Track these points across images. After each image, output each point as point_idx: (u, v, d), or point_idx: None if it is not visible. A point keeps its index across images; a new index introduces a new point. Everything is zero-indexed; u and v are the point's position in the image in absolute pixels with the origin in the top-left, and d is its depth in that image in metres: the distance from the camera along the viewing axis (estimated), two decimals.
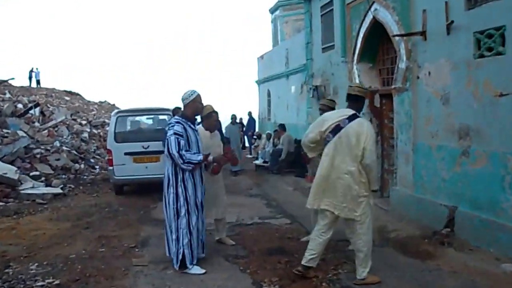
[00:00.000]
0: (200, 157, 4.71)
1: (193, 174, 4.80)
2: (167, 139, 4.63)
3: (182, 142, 4.62)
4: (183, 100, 4.86)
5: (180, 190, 4.73)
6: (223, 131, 13.18)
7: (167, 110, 10.28)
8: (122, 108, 15.16)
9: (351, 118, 4.45)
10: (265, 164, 13.61)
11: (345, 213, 4.43)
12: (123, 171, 9.56)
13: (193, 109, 4.90)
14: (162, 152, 9.41)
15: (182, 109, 4.95)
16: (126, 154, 9.57)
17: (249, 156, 18.07)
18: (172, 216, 4.77)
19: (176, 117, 4.82)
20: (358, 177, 4.37)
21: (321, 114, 5.85)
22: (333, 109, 5.92)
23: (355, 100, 4.60)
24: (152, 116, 11.56)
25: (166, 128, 4.75)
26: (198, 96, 4.87)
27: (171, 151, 4.61)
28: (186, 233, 4.74)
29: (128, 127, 11.29)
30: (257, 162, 14.23)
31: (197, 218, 4.82)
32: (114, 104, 30.04)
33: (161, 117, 11.00)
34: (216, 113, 5.64)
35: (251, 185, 11.36)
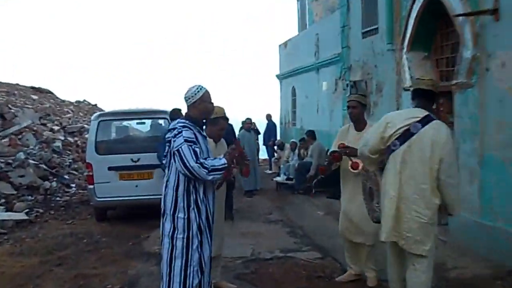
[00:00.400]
0: (223, 160, 4.68)
1: (206, 193, 4.76)
2: (178, 149, 4.51)
3: (198, 150, 4.56)
4: (187, 99, 4.77)
5: (193, 215, 4.61)
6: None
7: (164, 112, 10.47)
8: (106, 109, 15.34)
9: (424, 121, 4.45)
10: (288, 182, 13.75)
11: (409, 245, 4.47)
12: (107, 191, 9.81)
13: (201, 110, 4.77)
14: (156, 166, 9.69)
15: (187, 110, 4.84)
16: (110, 169, 9.82)
17: (268, 171, 18.18)
18: (181, 249, 4.61)
19: (180, 120, 4.74)
20: (431, 199, 4.39)
21: (350, 113, 5.97)
22: (365, 106, 5.99)
23: (426, 97, 4.63)
24: (144, 121, 11.73)
25: (169, 135, 4.61)
26: (207, 93, 4.79)
27: (187, 164, 4.48)
28: (197, 272, 4.64)
29: (113, 135, 11.55)
30: (278, 179, 14.39)
31: (210, 251, 4.79)
32: (95, 105, 30.15)
33: (155, 121, 11.23)
34: (226, 119, 5.70)
35: (271, 208, 11.49)
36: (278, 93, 22.54)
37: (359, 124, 5.95)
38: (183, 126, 4.61)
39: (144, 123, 11.93)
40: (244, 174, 5.25)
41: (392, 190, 4.50)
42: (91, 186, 9.88)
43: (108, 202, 9.98)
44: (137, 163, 9.83)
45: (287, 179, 13.92)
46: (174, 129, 4.63)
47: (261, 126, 18.90)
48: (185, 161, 4.47)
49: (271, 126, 19.21)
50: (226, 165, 4.62)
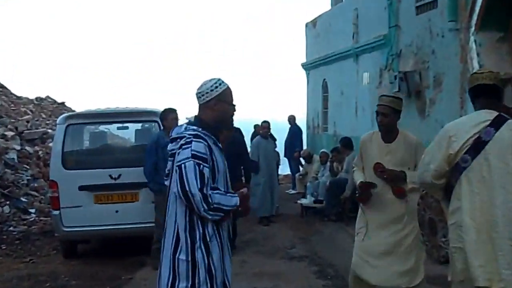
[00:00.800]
0: (236, 199, 4.57)
1: (219, 228, 4.62)
2: (181, 165, 4.38)
3: (207, 173, 4.41)
4: (199, 95, 4.67)
5: (199, 255, 4.47)
6: (248, 149, 13.26)
7: (152, 113, 10.46)
8: (79, 110, 15.14)
9: (496, 123, 4.49)
10: (317, 205, 13.71)
11: None
12: (78, 219, 9.77)
13: (217, 114, 4.64)
14: (143, 185, 9.64)
15: (198, 112, 4.73)
16: (82, 188, 9.80)
17: (291, 191, 18.17)
18: None
19: (190, 126, 4.62)
20: None
21: (379, 122, 6.09)
22: (399, 112, 6.11)
23: (491, 94, 4.65)
24: (126, 124, 11.69)
25: (173, 147, 4.54)
26: (228, 90, 4.69)
27: (188, 189, 4.33)
28: None
29: (86, 143, 11.59)
30: (304, 201, 14.34)
31: None
32: (63, 103, 30.06)
33: (142, 125, 11.25)
34: (231, 128, 5.68)
35: (293, 240, 11.46)
36: (303, 88, 22.56)
37: (389, 134, 6.09)
38: (195, 136, 4.47)
39: (127, 127, 11.69)
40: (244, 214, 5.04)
41: (471, 218, 4.44)
42: (57, 212, 9.83)
43: (79, 233, 9.93)
44: (118, 181, 9.82)
45: (316, 201, 13.88)
46: (180, 138, 4.52)
47: (281, 132, 18.77)
48: (185, 183, 4.35)
49: (295, 131, 19.03)
50: (236, 207, 4.55)
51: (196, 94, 4.69)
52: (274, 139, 17.94)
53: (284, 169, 19.85)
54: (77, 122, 10.49)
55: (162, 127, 9.60)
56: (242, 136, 12.06)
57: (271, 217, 13.41)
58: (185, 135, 4.48)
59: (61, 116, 10.68)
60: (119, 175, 9.81)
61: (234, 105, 4.75)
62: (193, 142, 4.40)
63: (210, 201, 4.33)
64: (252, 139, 16.89)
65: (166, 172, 4.70)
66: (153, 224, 9.12)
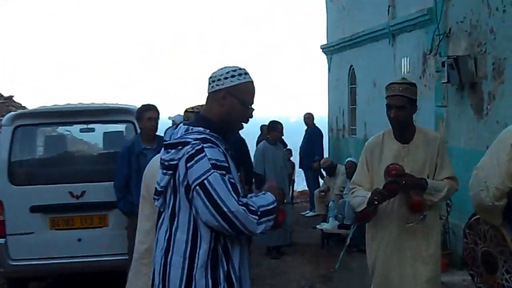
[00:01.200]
0: (269, 195, 4.60)
1: (243, 259, 4.62)
2: (203, 183, 4.30)
3: (235, 183, 4.45)
4: (211, 81, 4.65)
5: None
6: (251, 158, 13.32)
7: (126, 111, 10.55)
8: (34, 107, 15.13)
9: None
10: (342, 232, 13.77)
11: None
12: (29, 249, 9.82)
13: (226, 111, 4.61)
14: (111, 205, 9.69)
15: (205, 104, 4.75)
16: (34, 210, 9.85)
17: (309, 213, 18.23)
18: None
19: (191, 126, 4.61)
20: None
21: (393, 117, 6.08)
22: (416, 101, 6.17)
23: None
24: (92, 126, 11.67)
25: (172, 156, 4.35)
26: (249, 85, 4.66)
27: (227, 209, 4.29)
28: None
29: (40, 150, 11.62)
30: (325, 226, 14.43)
31: None
32: (10, 97, 30.16)
33: (112, 126, 11.31)
34: (240, 140, 5.76)
35: (311, 278, 11.56)
36: (324, 79, 22.60)
37: (406, 132, 6.16)
38: (204, 140, 4.41)
39: (93, 129, 11.57)
40: (279, 223, 4.95)
41: None
42: (1, 240, 9.85)
43: (30, 268, 9.96)
44: (81, 200, 9.85)
45: (341, 226, 13.93)
46: (182, 144, 4.43)
47: (295, 135, 18.77)
48: (221, 204, 4.27)
49: (313, 134, 19.07)
50: (275, 204, 4.52)
51: (208, 78, 4.65)
52: (285, 145, 17.97)
53: (300, 183, 19.90)
54: (28, 123, 10.44)
55: (138, 130, 9.67)
56: (244, 142, 12.14)
57: (282, 247, 13.49)
58: (189, 140, 4.39)
59: (8, 115, 10.68)
60: (83, 193, 9.82)
61: (251, 108, 4.66)
62: (205, 149, 4.33)
63: (254, 208, 4.33)
64: (257, 144, 16.78)
65: (159, 189, 4.58)
66: (126, 257, 9.02)
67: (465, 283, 9.97)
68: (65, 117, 10.84)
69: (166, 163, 4.45)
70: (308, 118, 19.07)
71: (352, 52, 19.72)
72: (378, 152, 6.22)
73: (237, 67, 4.61)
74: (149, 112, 9.31)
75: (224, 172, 4.30)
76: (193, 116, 5.79)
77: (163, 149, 4.55)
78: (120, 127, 10.97)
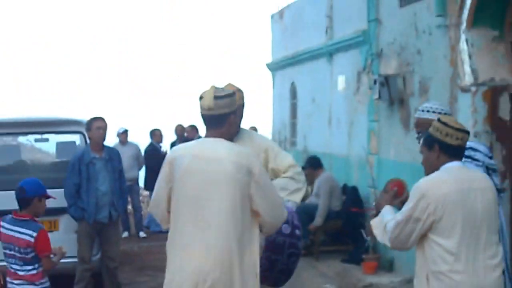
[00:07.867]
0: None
1: None
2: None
3: None
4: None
5: None
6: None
7: (76, 123, 10.69)
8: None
9: None
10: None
11: None
12: None
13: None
14: (62, 211, 9.63)
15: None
16: None
17: None
18: None
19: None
20: None
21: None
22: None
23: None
24: (46, 136, 11.66)
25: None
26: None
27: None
28: None
29: None
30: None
31: None
32: None
33: (65, 137, 11.41)
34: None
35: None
36: (269, 93, 22.75)
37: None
38: None
39: (46, 139, 11.89)
40: None
41: None
42: None
43: None
44: None
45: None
46: None
47: None
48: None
49: None
50: None
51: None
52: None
53: None
54: None
55: (88, 140, 9.82)
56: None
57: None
58: None
59: None
60: None
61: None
62: None
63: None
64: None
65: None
66: (75, 260, 9.09)
67: (392, 284, 10.21)
68: (17, 128, 11.00)
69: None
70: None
71: (294, 69, 19.79)
72: None
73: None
74: (98, 122, 9.51)
75: None
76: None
77: None
78: (73, 137, 11.03)
